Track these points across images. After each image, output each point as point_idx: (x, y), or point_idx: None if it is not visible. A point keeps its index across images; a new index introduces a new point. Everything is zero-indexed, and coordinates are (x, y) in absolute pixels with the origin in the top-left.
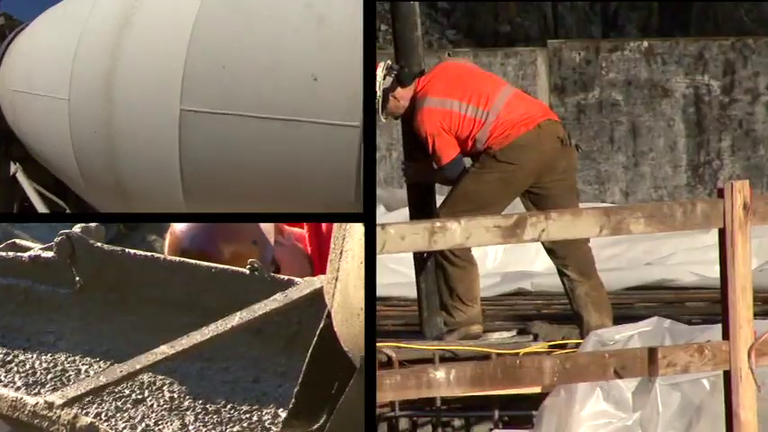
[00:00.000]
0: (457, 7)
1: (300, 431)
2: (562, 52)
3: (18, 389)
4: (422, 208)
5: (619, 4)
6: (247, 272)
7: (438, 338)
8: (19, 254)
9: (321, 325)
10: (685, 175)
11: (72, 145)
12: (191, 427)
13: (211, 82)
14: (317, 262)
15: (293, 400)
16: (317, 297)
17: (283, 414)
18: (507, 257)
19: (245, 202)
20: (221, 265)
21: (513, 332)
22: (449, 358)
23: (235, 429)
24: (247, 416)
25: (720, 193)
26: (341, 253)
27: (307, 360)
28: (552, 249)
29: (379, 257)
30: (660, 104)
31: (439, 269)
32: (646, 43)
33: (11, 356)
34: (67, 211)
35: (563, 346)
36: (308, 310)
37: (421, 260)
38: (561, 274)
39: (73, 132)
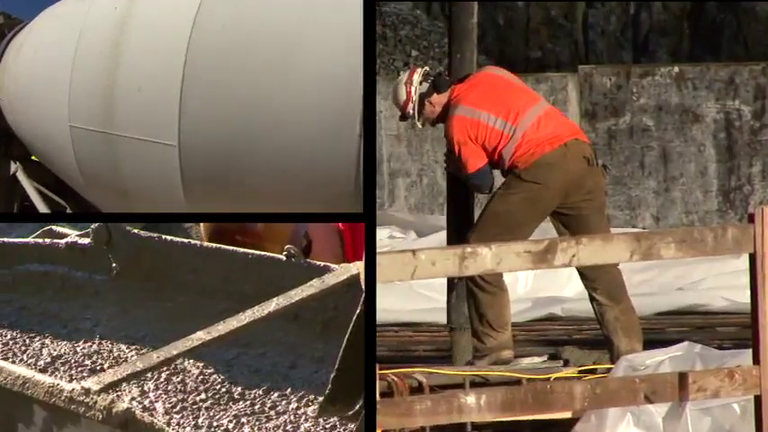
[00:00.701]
0: (488, 32)
1: (337, 417)
2: (593, 78)
3: (54, 375)
4: (459, 210)
5: (650, 29)
6: (284, 258)
7: (469, 364)
8: (55, 240)
9: (358, 311)
10: (716, 200)
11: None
12: (228, 414)
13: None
14: (348, 237)
15: (329, 386)
16: (353, 283)
17: (320, 400)
18: (538, 283)
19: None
20: (257, 252)
21: (544, 357)
22: (479, 383)
23: (272, 415)
24: (284, 402)
25: (751, 218)
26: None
27: (343, 346)
28: (582, 271)
29: (408, 283)
30: (691, 130)
31: (469, 295)
32: (676, 68)
33: (48, 342)
34: (68, 210)
35: (594, 372)
36: (344, 296)
37: (452, 287)
38: (591, 298)
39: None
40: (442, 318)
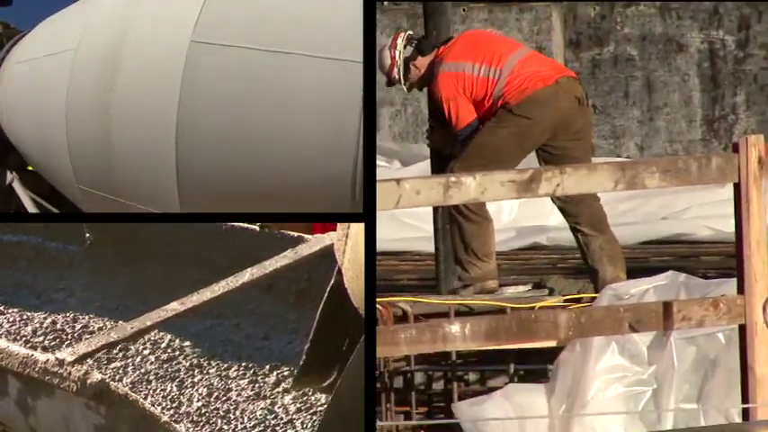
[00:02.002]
0: None
1: (311, 388)
2: (577, 7)
3: (29, 345)
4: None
5: None
6: (257, 228)
7: (453, 293)
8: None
9: (331, 282)
10: (700, 129)
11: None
12: (201, 384)
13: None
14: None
15: (304, 357)
16: (327, 254)
17: (294, 371)
18: (523, 212)
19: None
20: (231, 223)
21: (529, 286)
22: (464, 312)
23: (245, 384)
24: (258, 372)
25: (735, 148)
26: None
27: (317, 317)
28: (564, 209)
29: (392, 211)
30: (675, 59)
31: (454, 224)
32: None
33: (21, 313)
34: None
35: (578, 301)
36: (318, 267)
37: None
38: (575, 230)
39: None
40: (426, 246)
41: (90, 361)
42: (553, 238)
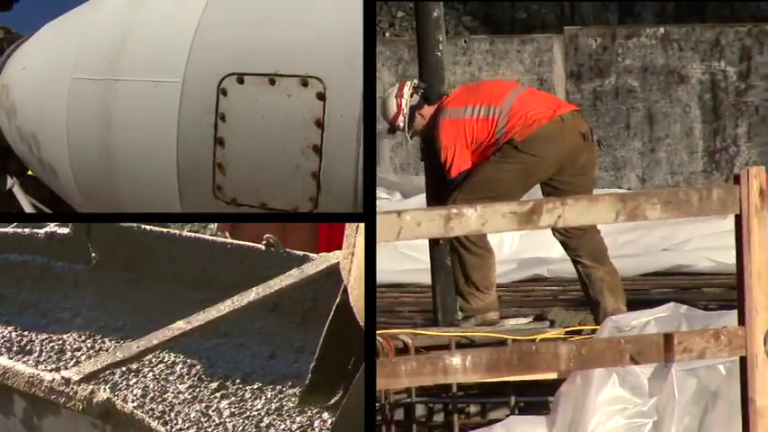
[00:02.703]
0: None
1: (317, 406)
2: (578, 39)
3: (35, 365)
4: (439, 195)
5: None
6: (263, 247)
7: (454, 325)
8: (35, 230)
9: (337, 300)
10: (701, 161)
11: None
12: (208, 403)
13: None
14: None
15: (309, 376)
16: (332, 272)
17: (300, 389)
18: (524, 243)
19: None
20: (236, 241)
21: (530, 318)
22: (465, 344)
23: (252, 404)
24: (264, 391)
25: (736, 179)
26: (357, 228)
27: (323, 335)
28: (565, 242)
29: (393, 243)
30: (676, 91)
31: (455, 256)
32: (662, 29)
33: (27, 332)
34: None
35: (579, 332)
36: (323, 286)
37: (435, 248)
38: (575, 263)
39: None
40: (427, 279)
41: (98, 380)
42: (554, 270)
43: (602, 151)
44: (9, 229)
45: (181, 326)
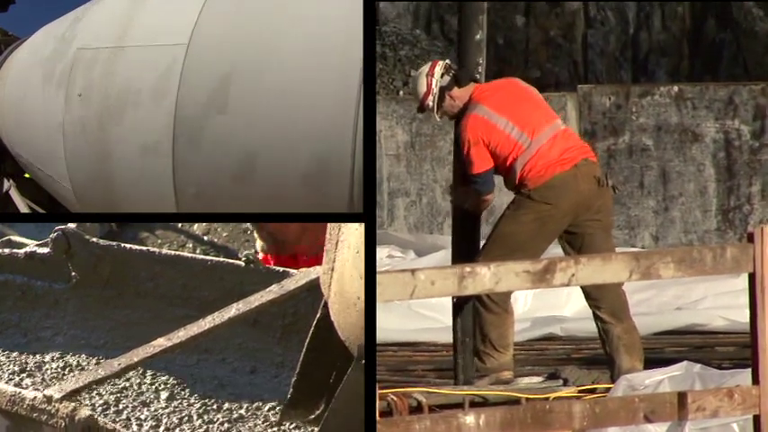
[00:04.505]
0: (487, 52)
1: (298, 421)
2: (592, 97)
3: (16, 384)
4: (465, 237)
5: (649, 49)
6: (243, 263)
7: (468, 383)
8: (15, 250)
9: (318, 315)
10: (715, 219)
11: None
12: (190, 419)
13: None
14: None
15: (291, 390)
16: (313, 287)
17: (281, 404)
18: (537, 303)
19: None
20: (216, 258)
21: (543, 377)
22: (479, 403)
23: (233, 419)
24: (245, 406)
25: (750, 238)
26: (336, 243)
27: (304, 350)
28: (586, 290)
29: (408, 302)
30: (690, 149)
31: (475, 314)
32: (676, 88)
33: (8, 352)
34: None
35: (593, 391)
36: (304, 301)
37: (458, 305)
38: (595, 316)
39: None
40: (441, 337)
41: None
42: (567, 328)
43: (616, 195)
44: None
45: (162, 342)
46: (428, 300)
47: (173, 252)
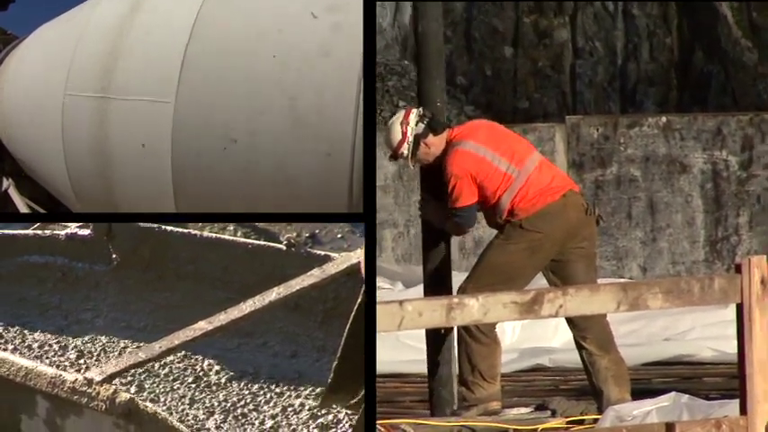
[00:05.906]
0: (475, 83)
1: (339, 405)
2: (580, 128)
3: (57, 365)
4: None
5: (637, 80)
6: (284, 247)
7: (456, 414)
8: (56, 232)
9: (359, 300)
10: (703, 250)
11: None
12: (229, 402)
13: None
14: None
15: (331, 375)
16: (354, 272)
17: (322, 388)
18: (525, 333)
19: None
20: (257, 241)
21: (531, 408)
22: None
23: (274, 404)
24: (286, 390)
25: (738, 269)
26: None
27: (345, 335)
28: (572, 320)
29: (396, 334)
30: (678, 180)
31: (463, 345)
32: (664, 119)
33: (49, 334)
34: None
35: (581, 422)
36: (345, 285)
37: (435, 337)
38: (580, 347)
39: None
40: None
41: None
42: (555, 359)
43: (598, 230)
44: (30, 231)
45: (202, 326)
46: (416, 331)
47: (213, 234)
